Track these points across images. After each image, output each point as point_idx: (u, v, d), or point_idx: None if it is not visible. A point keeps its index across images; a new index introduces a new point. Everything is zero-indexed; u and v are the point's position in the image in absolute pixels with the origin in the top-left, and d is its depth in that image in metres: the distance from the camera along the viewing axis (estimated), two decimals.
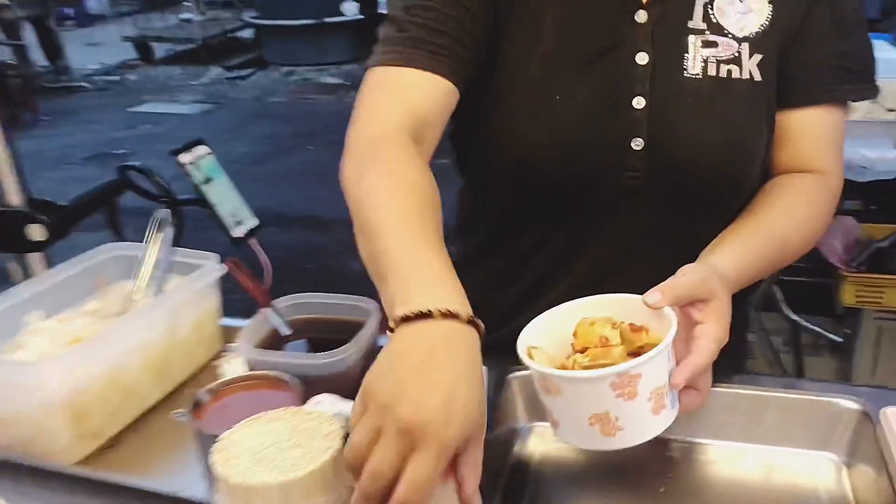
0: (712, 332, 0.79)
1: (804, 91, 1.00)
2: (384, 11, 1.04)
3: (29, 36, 8.66)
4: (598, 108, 0.98)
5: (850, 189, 2.52)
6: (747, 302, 1.20)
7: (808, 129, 1.02)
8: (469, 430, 0.64)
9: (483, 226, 1.15)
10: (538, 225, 1.07)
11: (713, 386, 0.96)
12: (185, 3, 10.01)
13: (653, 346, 0.75)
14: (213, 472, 0.74)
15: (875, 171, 2.11)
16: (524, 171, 1.01)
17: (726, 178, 0.98)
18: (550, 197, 1.02)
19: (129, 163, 1.51)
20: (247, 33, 9.57)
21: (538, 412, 1.01)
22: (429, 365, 0.65)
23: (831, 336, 2.74)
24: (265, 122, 7.04)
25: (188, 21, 9.59)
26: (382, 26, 1.00)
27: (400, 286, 0.73)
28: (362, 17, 8.23)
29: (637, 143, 0.98)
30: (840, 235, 2.42)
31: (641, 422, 0.76)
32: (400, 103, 0.93)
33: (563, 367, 0.79)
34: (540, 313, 0.85)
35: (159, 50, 9.50)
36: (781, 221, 0.96)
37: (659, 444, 0.97)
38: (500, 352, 0.85)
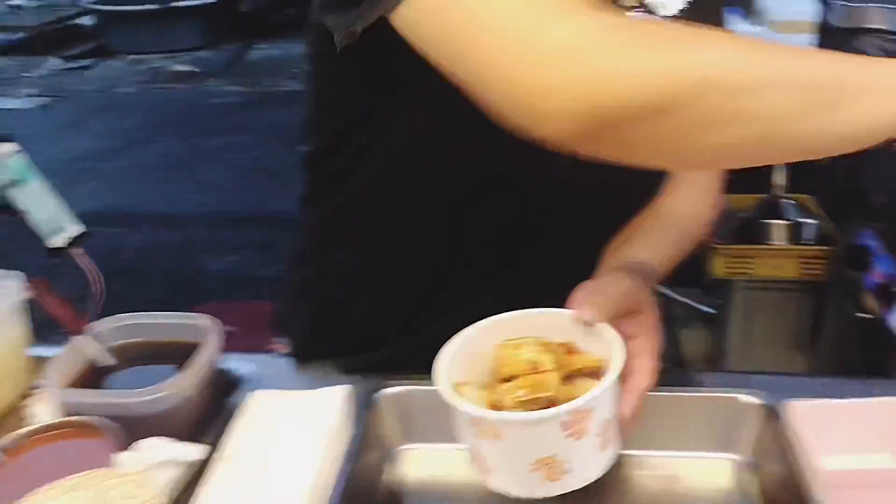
0: (650, 347, 0.72)
1: None
2: None
3: None
4: None
5: None
6: None
7: None
8: None
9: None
10: (448, 232, 0.95)
11: None
12: None
13: (589, 368, 0.68)
14: None
15: None
16: (442, 173, 0.92)
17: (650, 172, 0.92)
18: (462, 200, 0.91)
19: None
20: (87, 20, 8.94)
21: (412, 433, 0.89)
22: None
23: (704, 308, 2.78)
24: (112, 114, 6.59)
25: (18, 7, 8.87)
26: None
27: None
28: (213, 1, 7.85)
29: None
30: None
31: (588, 461, 0.68)
32: None
33: (496, 405, 0.68)
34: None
35: None
36: (679, 205, 0.93)
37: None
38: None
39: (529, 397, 0.67)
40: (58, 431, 0.79)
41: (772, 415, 0.81)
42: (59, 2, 9.38)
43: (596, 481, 0.83)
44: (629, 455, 0.85)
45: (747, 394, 0.84)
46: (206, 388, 0.90)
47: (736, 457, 0.84)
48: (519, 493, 0.70)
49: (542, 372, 0.68)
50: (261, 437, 0.87)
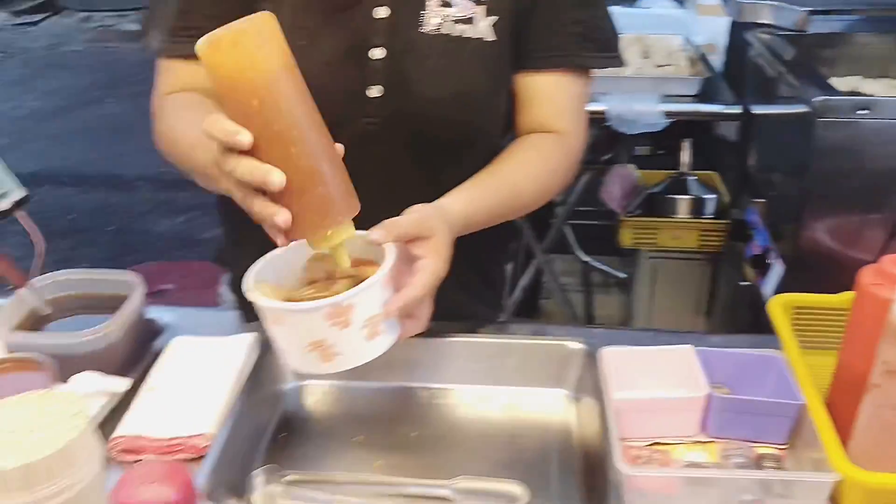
0: (430, 266, 0.87)
1: (543, 56, 1.09)
2: None
3: None
4: (339, 56, 1.05)
5: (633, 138, 2.75)
6: (500, 239, 1.28)
7: (547, 93, 1.11)
8: None
9: None
10: None
11: (459, 334, 1.06)
12: None
13: None
14: None
15: (642, 123, 2.29)
16: None
17: (457, 129, 1.06)
18: None
19: None
20: None
21: (300, 374, 1.07)
22: None
23: (617, 274, 2.99)
24: (59, 73, 6.55)
25: None
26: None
27: None
28: None
29: (373, 91, 1.05)
30: (619, 182, 2.62)
31: (356, 347, 0.83)
32: (172, 86, 1.12)
33: (290, 300, 0.84)
34: None
35: None
36: (514, 172, 1.06)
37: (410, 393, 1.05)
38: None
39: (317, 296, 0.83)
40: (3, 365, 0.96)
41: (590, 358, 1.01)
42: None
43: (450, 411, 1.03)
44: (477, 388, 1.05)
45: (574, 341, 1.04)
46: (133, 332, 1.07)
47: (564, 391, 1.04)
48: (304, 369, 0.86)
49: (336, 279, 0.86)
50: (179, 373, 1.04)
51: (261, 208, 0.80)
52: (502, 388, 1.05)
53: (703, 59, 2.52)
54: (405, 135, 1.06)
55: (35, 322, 1.08)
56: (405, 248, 0.88)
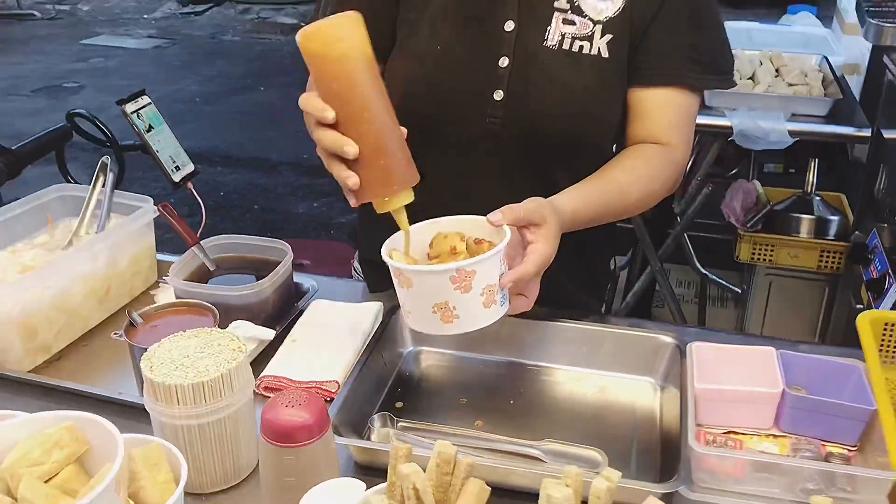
0: (540, 249, 0.99)
1: (656, 73, 1.20)
2: None
3: None
4: (469, 62, 1.20)
5: (763, 155, 2.76)
6: (607, 237, 1.35)
7: (657, 108, 1.21)
8: None
9: None
10: (420, 158, 1.24)
11: (562, 319, 1.18)
12: None
13: None
14: (143, 375, 0.92)
15: (767, 140, 2.32)
16: (407, 110, 1.18)
17: (569, 134, 1.18)
18: (429, 133, 1.19)
19: (77, 109, 1.65)
20: None
21: (421, 339, 1.22)
22: None
23: (732, 288, 3.01)
24: (218, 60, 7.04)
25: None
26: None
27: None
28: None
29: (498, 95, 1.19)
30: (740, 197, 2.65)
31: (473, 312, 0.95)
32: None
33: None
34: None
35: None
36: (621, 176, 1.17)
37: (512, 367, 1.18)
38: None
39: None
40: (176, 308, 1.15)
41: (679, 352, 1.11)
42: None
43: (547, 387, 1.15)
44: (573, 369, 1.17)
45: (666, 334, 1.14)
46: (281, 292, 1.25)
47: (651, 379, 1.14)
48: (424, 329, 0.97)
49: (457, 253, 0.99)
50: (317, 329, 1.22)
51: (338, 172, 0.97)
52: (595, 372, 1.16)
53: (838, 80, 2.51)
54: (523, 136, 1.19)
55: (202, 275, 1.27)
56: (519, 232, 1.00)
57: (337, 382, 1.10)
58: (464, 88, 1.20)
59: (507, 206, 0.99)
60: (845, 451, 1.00)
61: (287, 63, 6.96)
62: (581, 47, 1.17)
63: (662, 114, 1.21)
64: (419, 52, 1.22)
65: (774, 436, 1.03)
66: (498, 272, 0.96)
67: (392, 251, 0.99)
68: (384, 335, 1.18)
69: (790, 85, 2.54)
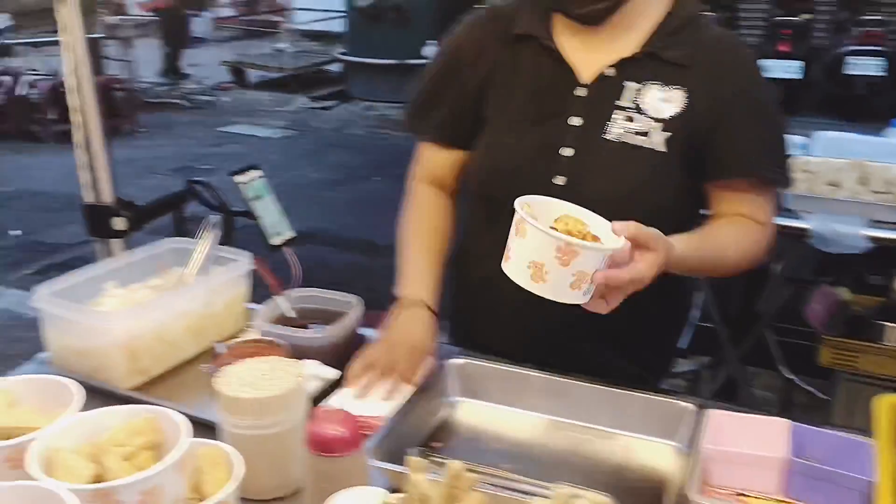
0: (641, 269, 1.08)
1: (728, 166, 1.33)
2: None
3: (138, 52, 9.46)
4: (535, 151, 1.37)
5: (849, 260, 2.76)
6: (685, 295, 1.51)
7: (736, 195, 1.35)
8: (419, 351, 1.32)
9: (461, 234, 1.55)
10: (489, 237, 1.35)
11: (596, 381, 1.28)
12: (280, 34, 10.68)
13: None
14: (216, 389, 1.09)
15: (844, 244, 2.35)
16: (481, 194, 1.44)
17: (622, 217, 1.27)
18: (499, 214, 1.28)
19: (196, 178, 1.91)
20: (334, 67, 10.13)
21: (468, 391, 1.34)
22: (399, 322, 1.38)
23: (818, 394, 2.96)
24: (340, 151, 7.53)
25: (281, 51, 10.23)
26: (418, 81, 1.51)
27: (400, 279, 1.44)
28: None
29: (559, 180, 1.34)
30: (823, 302, 2.65)
31: (560, 286, 1.03)
32: (422, 168, 1.55)
33: None
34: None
35: (253, 75, 10.18)
36: (724, 238, 1.31)
37: (543, 421, 1.29)
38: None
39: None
40: (255, 344, 1.33)
41: (699, 417, 1.19)
42: (314, 49, 10.76)
43: (570, 440, 1.25)
44: (601, 429, 1.26)
45: (688, 401, 1.23)
46: (347, 339, 1.41)
47: (673, 443, 1.22)
48: (515, 278, 1.05)
49: (573, 235, 1.03)
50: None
51: None
52: (621, 432, 1.25)
53: None
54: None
55: (282, 320, 1.45)
56: (631, 251, 1.09)
57: (383, 418, 1.23)
58: (529, 172, 1.36)
59: (636, 223, 1.09)
60: None
61: (402, 156, 7.29)
62: (639, 142, 1.31)
63: (742, 201, 1.34)
64: (494, 143, 1.41)
65: (782, 501, 1.09)
66: (595, 266, 1.04)
67: (526, 205, 1.08)
68: (431, 383, 1.32)
69: (874, 192, 2.57)
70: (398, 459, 1.16)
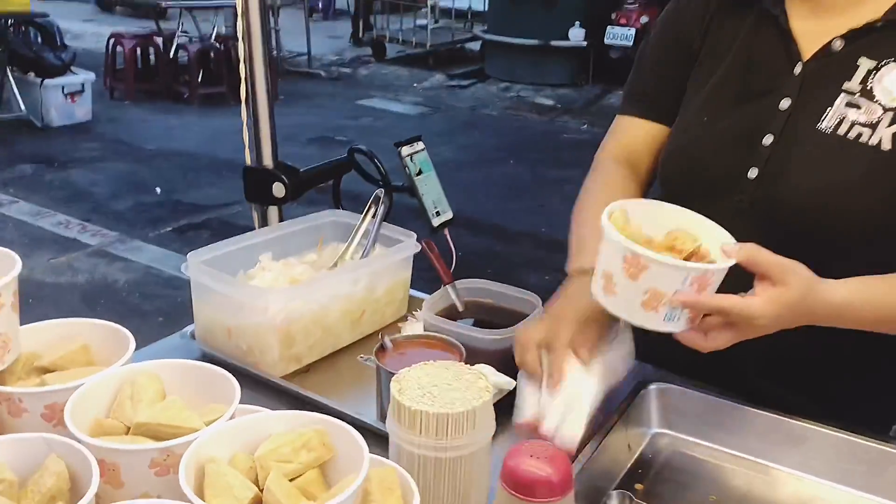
0: (753, 306, 0.89)
1: None
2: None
3: (282, 21, 9.58)
4: (731, 136, 1.13)
5: None
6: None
7: None
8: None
9: None
10: None
11: (808, 422, 1.05)
12: (421, 10, 10.60)
13: None
14: (391, 396, 0.92)
15: None
16: (664, 176, 1.22)
17: (821, 226, 1.05)
18: (678, 201, 1.06)
19: (359, 146, 1.75)
20: (473, 45, 9.99)
21: (670, 423, 1.13)
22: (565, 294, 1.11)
23: None
24: (474, 131, 7.37)
25: (422, 27, 10.16)
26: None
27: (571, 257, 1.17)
28: (585, 44, 8.37)
29: (752, 172, 1.10)
30: None
31: (630, 304, 0.91)
32: (615, 141, 1.31)
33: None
34: None
35: (391, 50, 10.14)
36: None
37: (765, 469, 1.07)
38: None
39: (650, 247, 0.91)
40: (426, 340, 1.16)
41: None
42: (456, 26, 10.63)
43: (749, 488, 1.03)
44: (844, 489, 1.02)
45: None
46: None
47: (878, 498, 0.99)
48: (591, 288, 0.96)
49: (677, 251, 0.92)
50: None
51: None
52: (868, 496, 1.01)
53: None
54: (768, 218, 1.08)
55: (450, 314, 1.27)
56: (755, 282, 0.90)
57: (577, 439, 1.02)
58: (720, 161, 1.14)
59: (757, 246, 0.91)
60: None
61: (538, 140, 7.14)
62: (859, 134, 1.04)
63: None
64: (685, 123, 1.20)
65: None
66: (675, 287, 0.88)
67: (613, 212, 0.95)
68: (629, 412, 1.11)
69: None
70: (593, 501, 0.97)
